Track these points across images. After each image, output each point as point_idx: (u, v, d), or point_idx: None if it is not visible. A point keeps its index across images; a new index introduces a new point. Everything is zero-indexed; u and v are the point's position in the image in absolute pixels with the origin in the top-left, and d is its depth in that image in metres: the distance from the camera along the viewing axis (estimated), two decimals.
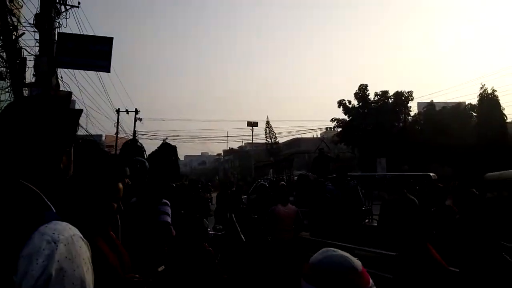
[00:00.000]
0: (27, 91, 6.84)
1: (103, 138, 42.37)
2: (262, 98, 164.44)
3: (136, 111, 33.72)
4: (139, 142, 24.78)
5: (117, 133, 32.65)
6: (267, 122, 60.04)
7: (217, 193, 10.43)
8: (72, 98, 6.87)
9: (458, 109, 35.24)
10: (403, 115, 35.71)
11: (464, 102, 36.15)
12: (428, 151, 33.07)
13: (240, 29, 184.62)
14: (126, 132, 34.41)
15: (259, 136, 61.53)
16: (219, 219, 8.66)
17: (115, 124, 31.85)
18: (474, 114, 33.94)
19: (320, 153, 11.79)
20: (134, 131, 32.92)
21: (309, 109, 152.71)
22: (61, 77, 7.45)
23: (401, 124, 35.42)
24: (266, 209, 6.57)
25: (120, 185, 1.86)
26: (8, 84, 7.83)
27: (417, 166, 34.98)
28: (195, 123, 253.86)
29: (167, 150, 24.69)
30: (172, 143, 28.62)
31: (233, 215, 5.97)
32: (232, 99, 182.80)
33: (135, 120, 33.52)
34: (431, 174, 8.45)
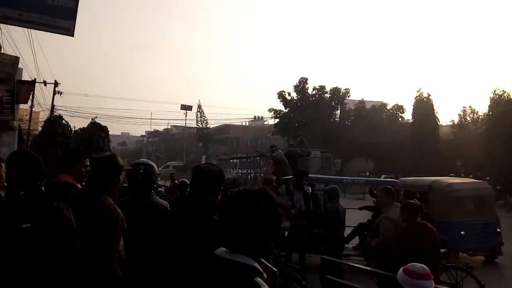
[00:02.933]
0: None
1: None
2: (191, 81, 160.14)
3: (56, 83, 29.63)
4: (65, 120, 21.68)
5: (31, 106, 28.36)
6: (199, 107, 58.27)
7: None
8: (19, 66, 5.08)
9: (384, 108, 37.55)
10: (338, 111, 36.91)
11: (387, 103, 38.55)
12: (357, 146, 34.90)
13: (176, 5, 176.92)
14: (42, 106, 30.09)
15: (181, 120, 59.28)
16: None
17: (30, 96, 27.57)
18: (401, 114, 36.61)
19: (289, 148, 11.02)
20: (53, 106, 28.94)
21: (237, 97, 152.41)
22: None
23: (336, 119, 36.58)
24: None
25: None
26: None
27: (346, 159, 36.98)
28: (116, 102, 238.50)
29: (97, 130, 22.00)
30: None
31: None
32: (159, 79, 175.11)
33: (54, 93, 29.46)
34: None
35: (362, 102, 37.64)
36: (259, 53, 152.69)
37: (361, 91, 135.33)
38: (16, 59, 5.10)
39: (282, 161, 8.89)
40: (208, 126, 59.47)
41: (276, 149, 9.56)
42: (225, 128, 70.00)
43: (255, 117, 69.95)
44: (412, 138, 28.41)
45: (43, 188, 2.32)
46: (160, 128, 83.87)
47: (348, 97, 36.90)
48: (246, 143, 61.00)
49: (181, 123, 62.10)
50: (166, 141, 79.46)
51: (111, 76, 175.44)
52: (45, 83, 29.16)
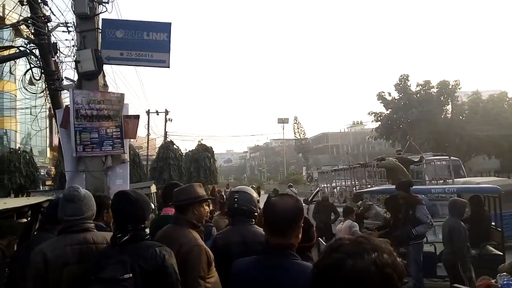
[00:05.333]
0: (69, 94, 5.44)
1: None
2: (286, 93, 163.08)
3: (166, 112, 32.61)
4: (176, 145, 23.53)
5: (148, 134, 31.77)
6: (295, 118, 58.49)
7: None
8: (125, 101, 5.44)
9: (504, 97, 32.65)
10: (448, 106, 33.25)
11: (506, 92, 33.42)
12: (475, 143, 30.80)
13: (265, 19, 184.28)
14: (156, 133, 33.57)
15: (279, 133, 60.05)
16: None
17: (146, 126, 30.90)
18: None
19: (398, 155, 10.02)
20: (165, 132, 31.85)
21: (335, 103, 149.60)
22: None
23: (448, 115, 33.00)
24: None
25: None
26: (45, 87, 6.49)
27: (464, 160, 32.88)
28: (219, 122, 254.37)
29: (203, 151, 23.37)
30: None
31: None
32: (255, 96, 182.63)
33: (166, 121, 32.44)
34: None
35: (476, 93, 33.30)
36: (353, 55, 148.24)
37: (474, 81, 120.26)
38: (121, 96, 5.46)
39: (395, 167, 8.05)
40: (305, 136, 59.16)
41: (384, 158, 8.71)
42: (323, 137, 68.94)
43: (353, 122, 67.46)
44: None
45: (147, 230, 2.23)
46: (261, 143, 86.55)
47: (459, 89, 33.00)
48: (346, 151, 59.04)
49: (280, 136, 63.11)
50: (267, 155, 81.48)
51: (214, 99, 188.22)
52: (157, 112, 32.44)
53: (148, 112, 31.09)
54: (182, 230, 2.48)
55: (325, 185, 11.23)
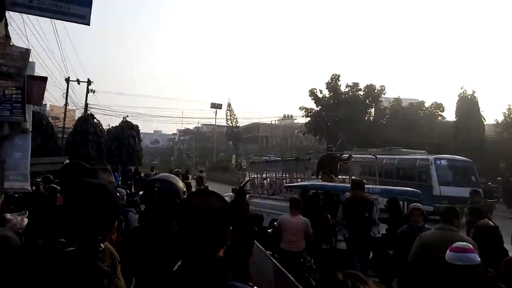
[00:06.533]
0: None
1: (48, 107, 37.87)
2: (221, 78, 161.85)
3: (89, 82, 29.91)
4: (97, 119, 21.68)
5: (66, 104, 28.86)
6: (229, 105, 57.91)
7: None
8: (30, 59, 4.49)
9: (422, 106, 35.60)
10: (372, 109, 35.35)
11: (424, 101, 36.53)
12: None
13: (204, 2, 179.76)
14: (76, 104, 30.62)
15: (211, 118, 58.95)
16: None
17: (64, 95, 28.02)
18: (440, 113, 34.60)
19: (329, 151, 10.09)
20: (86, 104, 29.23)
21: (267, 95, 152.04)
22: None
23: (371, 117, 35.05)
24: None
25: None
26: None
27: None
28: (147, 100, 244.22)
29: (128, 129, 21.87)
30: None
31: None
32: (189, 77, 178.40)
33: (87, 92, 29.77)
34: None
35: (398, 100, 35.87)
36: (289, 50, 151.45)
37: (397, 88, 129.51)
38: (26, 52, 4.47)
39: (326, 161, 7.98)
40: (237, 124, 59.02)
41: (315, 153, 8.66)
42: (254, 127, 69.52)
43: (284, 115, 68.87)
44: (456, 138, 26.54)
45: (102, 245, 1.49)
46: (191, 126, 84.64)
47: (384, 94, 35.25)
48: (276, 143, 60.15)
49: (212, 122, 62.20)
50: (197, 139, 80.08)
51: (143, 74, 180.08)
52: (78, 81, 29.58)
53: (67, 80, 28.19)
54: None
55: (255, 176, 11.01)
